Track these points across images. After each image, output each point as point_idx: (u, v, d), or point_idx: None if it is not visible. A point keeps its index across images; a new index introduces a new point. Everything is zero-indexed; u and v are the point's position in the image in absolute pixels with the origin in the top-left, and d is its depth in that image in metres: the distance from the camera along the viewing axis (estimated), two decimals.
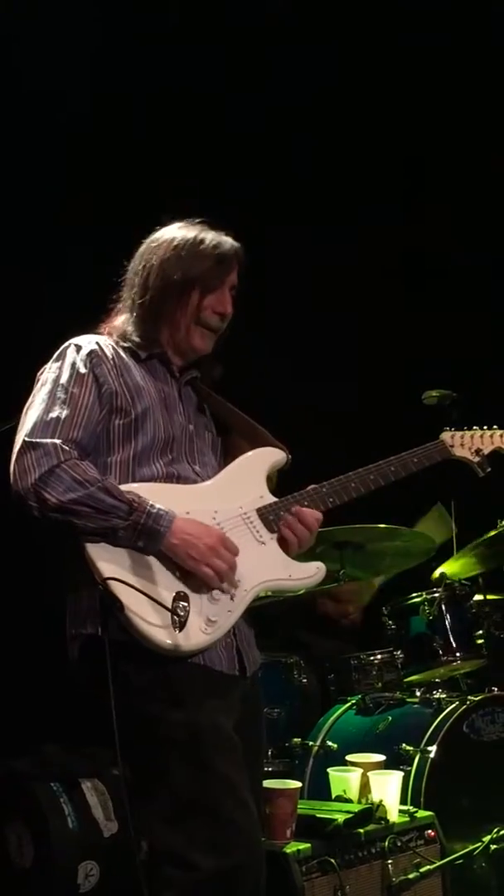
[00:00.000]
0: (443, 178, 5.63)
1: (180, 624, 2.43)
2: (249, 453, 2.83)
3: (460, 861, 3.54)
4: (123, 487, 2.56)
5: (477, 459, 3.06)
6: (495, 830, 3.61)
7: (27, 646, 4.30)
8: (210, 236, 2.82)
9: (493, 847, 3.59)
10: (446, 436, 3.07)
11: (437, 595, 4.27)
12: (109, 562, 2.51)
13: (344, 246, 5.47)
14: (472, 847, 3.58)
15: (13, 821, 3.86)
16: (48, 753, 4.03)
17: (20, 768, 3.94)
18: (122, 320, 2.82)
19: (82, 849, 3.76)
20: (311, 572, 2.74)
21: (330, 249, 5.43)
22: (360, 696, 4.28)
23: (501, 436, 3.12)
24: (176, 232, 2.84)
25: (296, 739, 4.12)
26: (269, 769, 3.96)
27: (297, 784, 3.41)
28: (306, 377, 5.42)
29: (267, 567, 2.69)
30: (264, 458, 2.83)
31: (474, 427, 3.12)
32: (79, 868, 3.74)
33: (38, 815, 3.78)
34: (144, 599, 2.47)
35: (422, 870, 3.40)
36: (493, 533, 4.35)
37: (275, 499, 2.77)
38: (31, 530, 2.57)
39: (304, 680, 4.27)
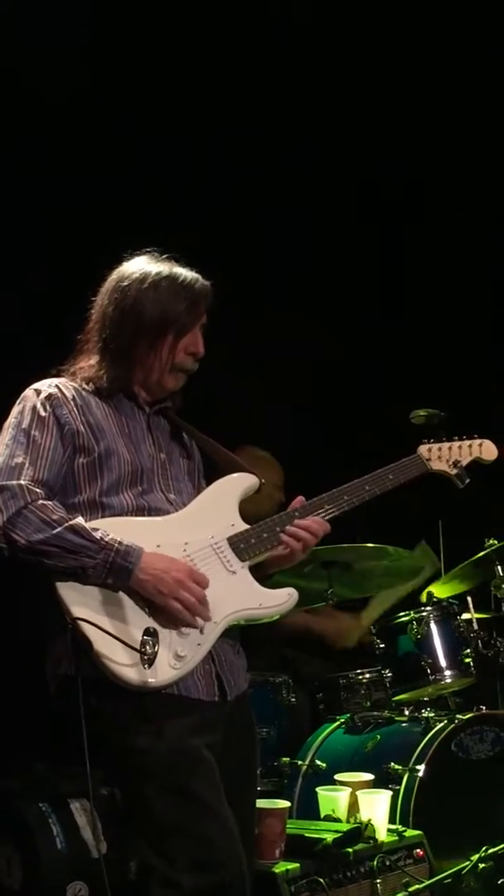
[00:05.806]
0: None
1: (149, 661, 2.44)
2: (220, 480, 2.80)
3: (449, 880, 3.54)
4: (92, 523, 2.56)
5: (455, 472, 2.96)
6: (484, 849, 3.61)
7: (14, 665, 4.29)
8: (181, 275, 2.77)
9: (481, 866, 3.58)
10: (423, 449, 2.98)
11: (424, 614, 4.27)
12: (78, 601, 2.51)
13: (342, 254, 5.53)
14: (460, 866, 3.58)
15: (1, 842, 3.85)
16: (37, 773, 4.02)
17: (8, 788, 3.92)
18: (91, 363, 2.76)
19: (71, 869, 3.75)
20: (282, 599, 2.69)
21: (328, 256, 5.48)
22: (348, 715, 4.29)
23: (480, 445, 3.00)
24: (145, 268, 2.78)
25: (284, 759, 4.10)
26: (259, 789, 3.95)
27: (286, 803, 3.43)
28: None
29: (237, 597, 2.66)
30: (236, 485, 2.79)
31: (454, 437, 3.01)
32: (67, 889, 3.73)
33: (26, 836, 3.77)
34: (112, 639, 2.47)
35: (411, 889, 3.41)
36: (481, 554, 4.36)
37: (246, 526, 2.73)
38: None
39: (293, 699, 4.27)
